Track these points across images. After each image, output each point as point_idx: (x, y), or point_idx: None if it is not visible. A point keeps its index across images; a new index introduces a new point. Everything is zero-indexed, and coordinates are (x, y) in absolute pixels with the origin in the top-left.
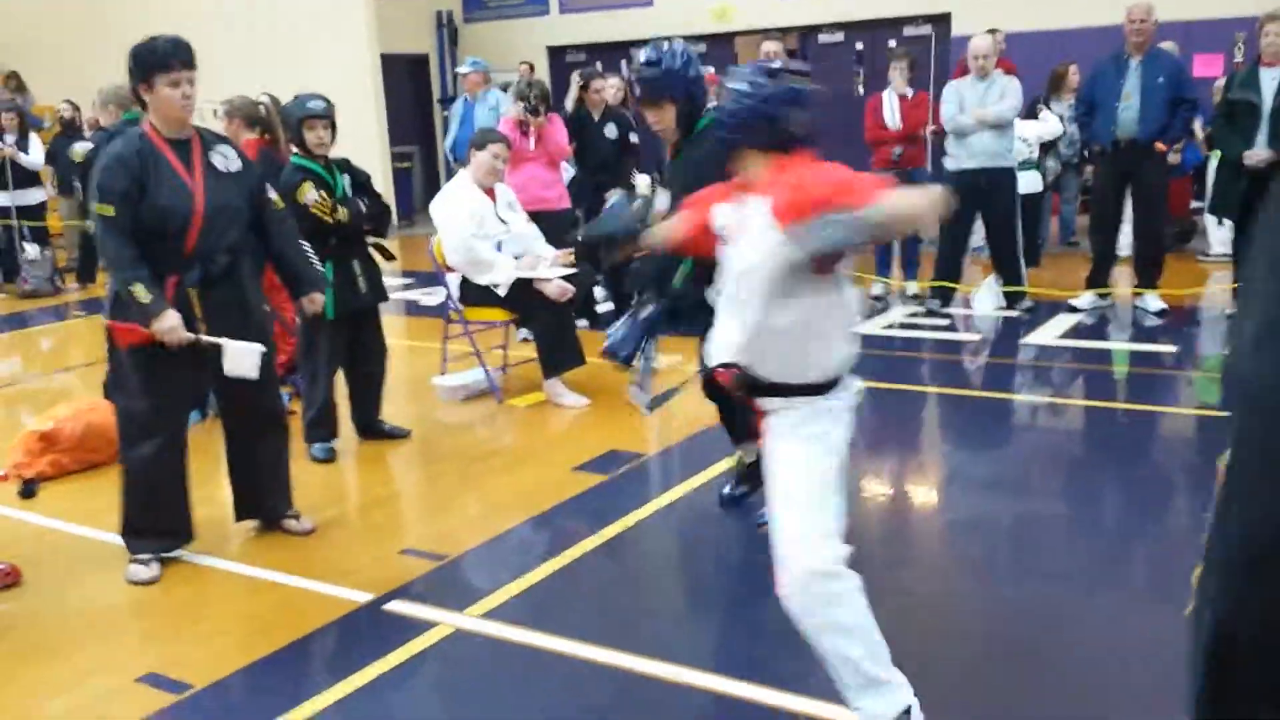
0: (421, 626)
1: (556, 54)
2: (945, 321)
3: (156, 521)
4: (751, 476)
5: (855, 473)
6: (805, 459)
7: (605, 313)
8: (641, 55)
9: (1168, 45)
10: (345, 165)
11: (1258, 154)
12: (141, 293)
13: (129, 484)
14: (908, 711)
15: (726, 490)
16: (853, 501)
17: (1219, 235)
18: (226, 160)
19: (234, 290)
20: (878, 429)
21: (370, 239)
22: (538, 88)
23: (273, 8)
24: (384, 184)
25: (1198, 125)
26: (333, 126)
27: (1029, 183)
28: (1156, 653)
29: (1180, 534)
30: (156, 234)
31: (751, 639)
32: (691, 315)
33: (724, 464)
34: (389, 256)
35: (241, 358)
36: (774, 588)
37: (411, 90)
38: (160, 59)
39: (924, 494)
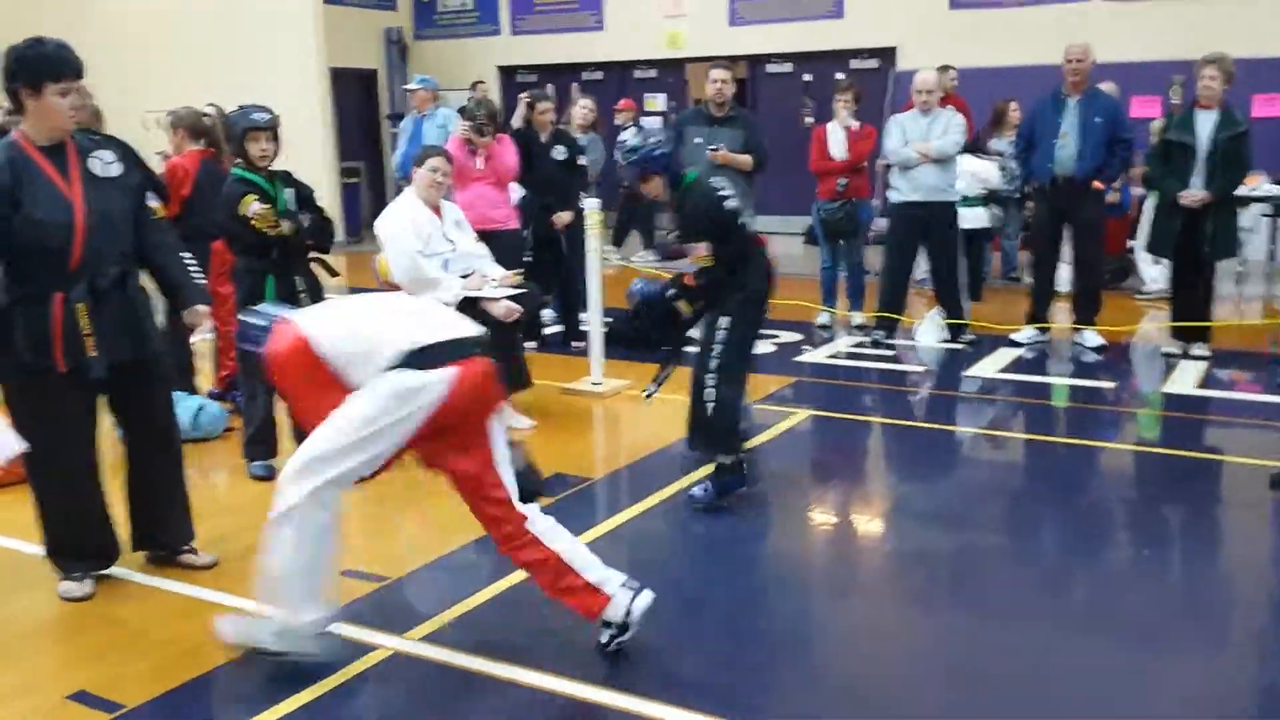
0: (361, 649)
1: (507, 74)
2: (890, 352)
3: (77, 544)
4: None
5: (801, 501)
6: None
7: (553, 334)
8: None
9: (1107, 86)
10: (288, 178)
11: (1193, 194)
12: None
13: (43, 513)
14: None
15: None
16: (798, 529)
17: (1151, 273)
18: (106, 165)
19: (125, 305)
20: (822, 458)
21: (313, 254)
22: (485, 107)
23: (222, 18)
24: (331, 199)
25: (1135, 165)
26: (276, 139)
27: (975, 218)
28: (1090, 680)
29: (1116, 566)
30: (36, 249)
31: (696, 666)
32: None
33: (670, 489)
34: (332, 272)
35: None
36: (720, 614)
37: (360, 106)
38: (54, 66)
39: (866, 523)
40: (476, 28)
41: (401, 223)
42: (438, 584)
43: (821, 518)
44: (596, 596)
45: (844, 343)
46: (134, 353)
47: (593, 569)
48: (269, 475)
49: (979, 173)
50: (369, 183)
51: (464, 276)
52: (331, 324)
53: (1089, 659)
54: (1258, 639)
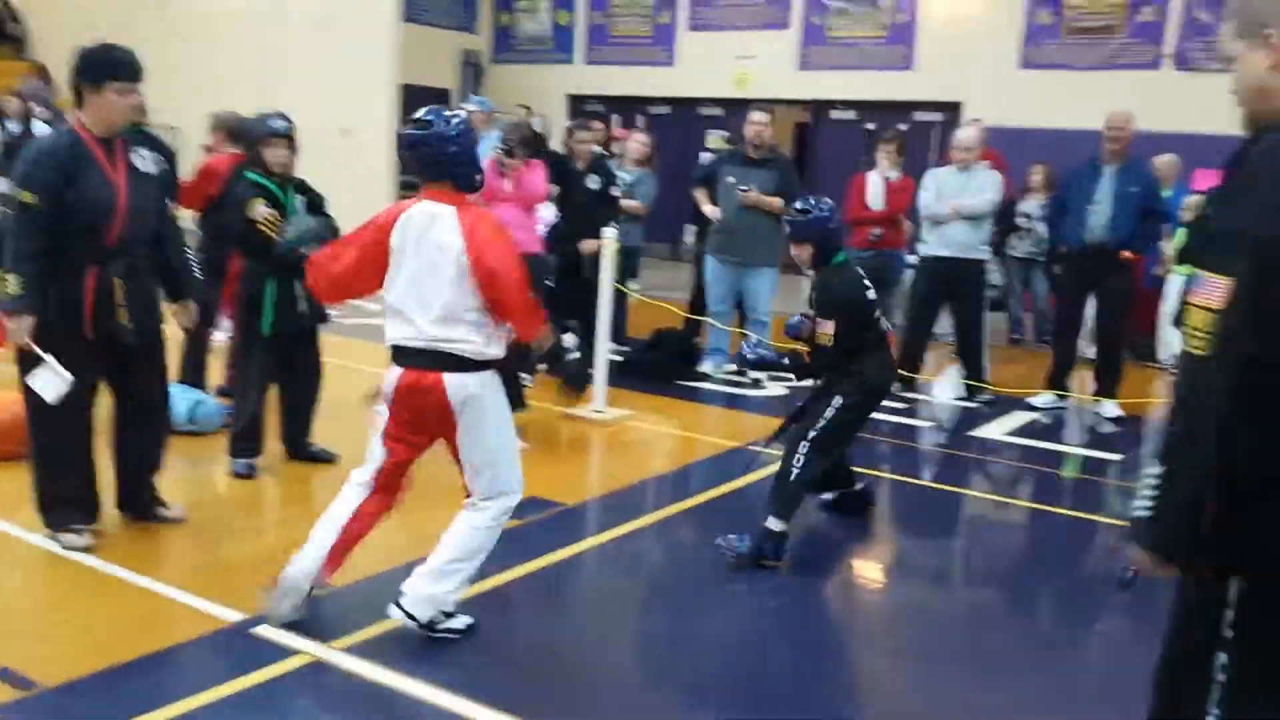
0: (282, 653)
1: (576, 102)
2: (904, 406)
3: (76, 499)
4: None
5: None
6: None
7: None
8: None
9: (1168, 158)
10: (301, 186)
11: None
12: (14, 285)
13: (44, 471)
14: None
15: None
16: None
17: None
18: (145, 162)
19: (148, 284)
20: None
21: None
22: (518, 131)
23: (301, 24)
24: None
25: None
26: (293, 146)
27: None
28: None
29: (1104, 642)
30: (80, 225)
31: (624, 704)
32: None
33: (628, 526)
34: None
35: (51, 379)
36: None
37: None
38: (116, 67)
39: (862, 576)
40: (551, 55)
41: None
42: (376, 596)
43: (823, 565)
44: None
45: None
46: (153, 327)
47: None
48: (249, 474)
49: None
50: None
51: None
52: None
53: None
54: None
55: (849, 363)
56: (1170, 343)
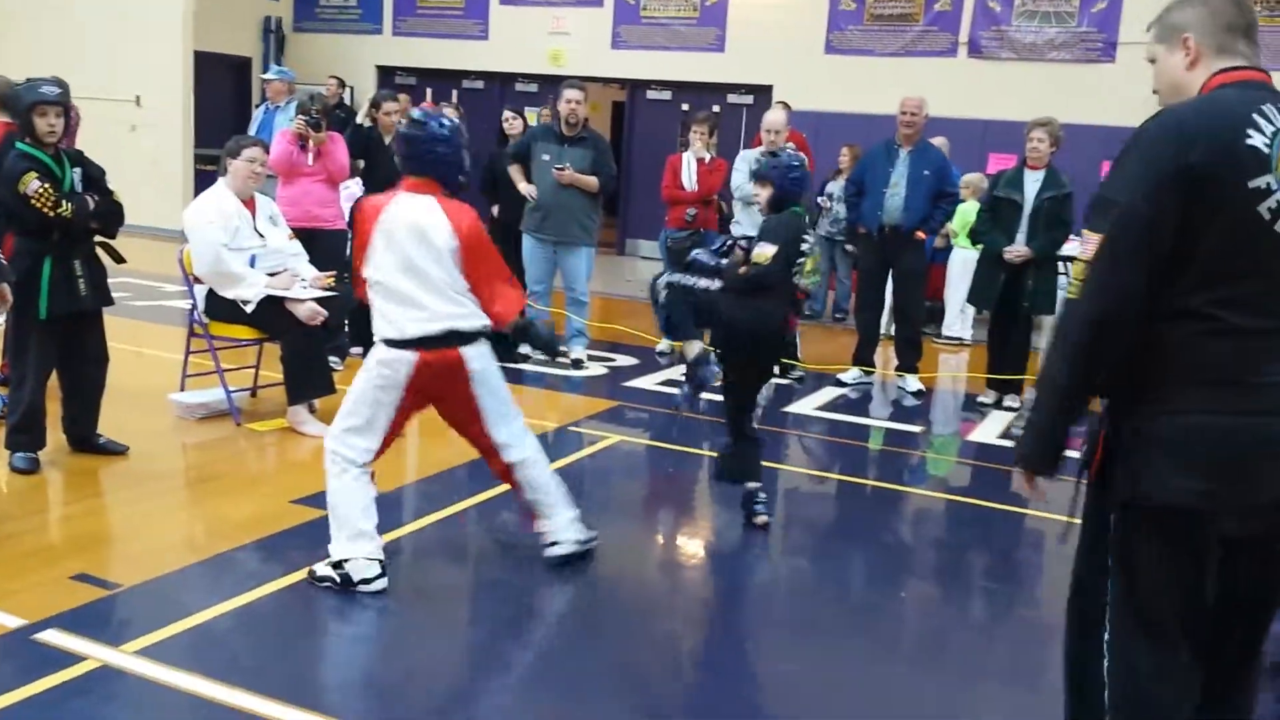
0: (67, 660)
1: (386, 74)
2: (717, 384)
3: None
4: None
5: (601, 525)
6: None
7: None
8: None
9: (938, 140)
10: (78, 157)
11: (1017, 250)
12: None
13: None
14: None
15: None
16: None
17: (956, 320)
18: None
19: None
20: (607, 483)
21: (98, 238)
22: (319, 102)
23: None
24: (184, 185)
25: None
26: (67, 114)
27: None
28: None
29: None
30: None
31: (421, 698)
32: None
33: (442, 512)
34: (118, 258)
35: None
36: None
37: (232, 93)
38: None
39: (682, 554)
40: (358, 24)
41: (208, 214)
42: (171, 594)
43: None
44: (534, 518)
45: (678, 371)
46: None
47: (545, 511)
48: (31, 468)
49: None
50: None
51: (273, 274)
52: None
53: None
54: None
55: (750, 296)
56: (953, 320)
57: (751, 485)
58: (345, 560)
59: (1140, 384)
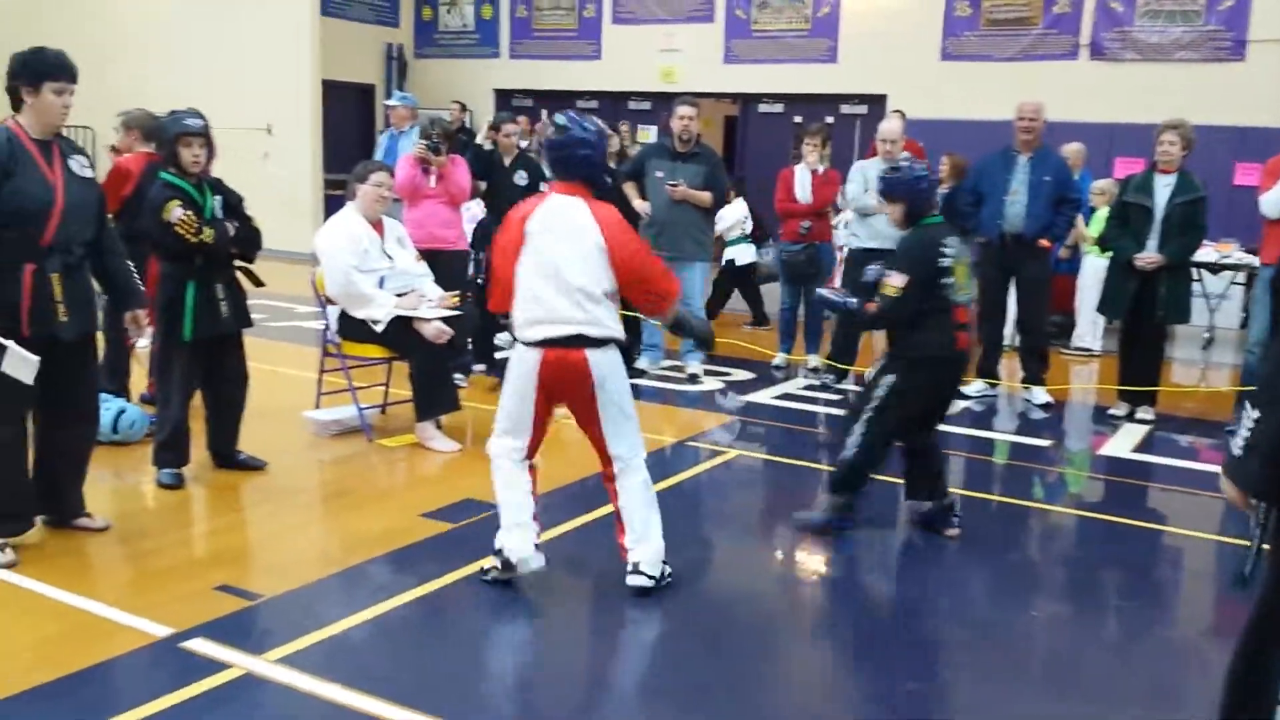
0: (213, 667)
1: (503, 97)
2: (838, 397)
3: (9, 508)
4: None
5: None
6: None
7: (505, 358)
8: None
9: (1074, 146)
10: (218, 185)
11: (1148, 257)
12: None
13: None
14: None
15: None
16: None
17: (1088, 330)
18: (82, 166)
19: (85, 284)
20: (726, 499)
21: (237, 263)
22: (439, 126)
23: (220, 22)
24: (314, 210)
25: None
26: (209, 145)
27: (745, 254)
28: None
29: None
30: (16, 221)
31: (547, 708)
32: None
33: (565, 526)
34: (257, 282)
35: (20, 363)
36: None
37: (356, 119)
38: (51, 68)
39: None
40: (476, 49)
41: (338, 238)
42: (310, 604)
43: (737, 557)
44: (622, 532)
45: (795, 385)
46: (88, 327)
47: (633, 527)
48: (176, 484)
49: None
50: None
51: (400, 295)
52: None
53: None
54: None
55: (909, 331)
56: (1084, 330)
57: (947, 501)
58: (503, 548)
59: None
